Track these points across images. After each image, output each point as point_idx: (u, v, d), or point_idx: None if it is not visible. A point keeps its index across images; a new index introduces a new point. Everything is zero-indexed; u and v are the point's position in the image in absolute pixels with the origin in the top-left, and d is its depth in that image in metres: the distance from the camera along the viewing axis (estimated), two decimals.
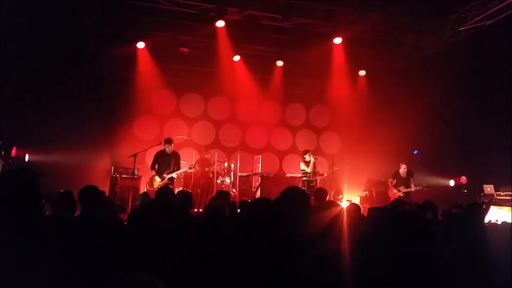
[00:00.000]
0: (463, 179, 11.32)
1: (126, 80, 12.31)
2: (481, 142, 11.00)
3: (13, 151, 9.42)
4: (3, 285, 1.97)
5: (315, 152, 11.27)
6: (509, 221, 6.97)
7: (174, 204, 4.56)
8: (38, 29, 8.81)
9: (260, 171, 12.88)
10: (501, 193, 9.69)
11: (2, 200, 2.18)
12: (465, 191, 11.14)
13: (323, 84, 13.53)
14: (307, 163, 10.99)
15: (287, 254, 2.43)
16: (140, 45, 11.82)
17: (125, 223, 4.13)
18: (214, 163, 11.72)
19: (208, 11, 10.37)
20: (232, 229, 3.48)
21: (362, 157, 13.32)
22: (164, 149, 9.69)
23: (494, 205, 8.92)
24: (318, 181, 11.40)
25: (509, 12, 9.41)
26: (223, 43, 11.47)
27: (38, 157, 9.88)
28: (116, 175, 10.95)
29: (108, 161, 12.07)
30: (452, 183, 11.60)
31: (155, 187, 9.50)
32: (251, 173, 12.64)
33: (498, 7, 9.51)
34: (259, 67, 13.25)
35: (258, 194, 11.55)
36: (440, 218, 5.05)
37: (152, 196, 8.22)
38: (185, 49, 12.14)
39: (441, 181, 11.57)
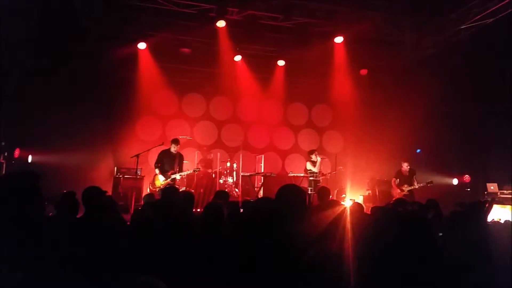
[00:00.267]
0: (467, 177, 11.29)
1: (128, 81, 12.33)
2: (484, 140, 10.97)
3: (16, 152, 9.45)
4: (7, 286, 1.98)
5: (318, 151, 11.23)
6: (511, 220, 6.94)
7: (178, 204, 4.56)
8: (39, 29, 8.84)
9: (262, 171, 12.89)
10: (505, 191, 9.64)
11: (4, 202, 2.19)
12: (469, 189, 11.10)
13: (324, 83, 13.53)
14: (313, 163, 10.91)
15: (289, 252, 2.43)
16: (142, 45, 11.85)
17: (128, 223, 4.14)
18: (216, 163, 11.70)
19: (209, 11, 10.38)
20: (228, 228, 3.48)
21: (365, 156, 13.31)
22: (169, 149, 9.64)
23: (497, 203, 8.89)
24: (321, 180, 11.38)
25: (510, 10, 9.40)
26: (224, 43, 11.48)
27: (41, 158, 9.90)
28: (119, 175, 10.97)
29: (111, 161, 12.08)
30: (455, 181, 11.57)
31: (157, 186, 9.50)
32: (254, 172, 12.63)
33: (498, 6, 9.50)
34: (261, 66, 13.26)
35: (261, 193, 11.54)
36: (443, 216, 5.03)
37: (157, 196, 8.30)
38: (186, 50, 12.16)
39: (444, 180, 11.54)
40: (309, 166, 10.97)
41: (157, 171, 9.60)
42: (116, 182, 10.87)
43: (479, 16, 10.03)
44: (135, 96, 12.42)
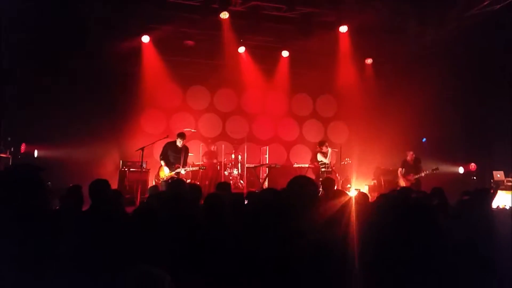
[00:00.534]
0: (473, 166, 11.24)
1: (132, 74, 12.32)
2: (490, 128, 10.90)
3: (23, 147, 9.53)
4: (12, 278, 1.99)
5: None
6: None
7: (185, 196, 4.56)
8: (42, 23, 8.85)
9: (267, 162, 12.88)
10: (511, 178, 9.62)
11: (7, 194, 2.20)
12: (475, 177, 11.07)
13: (329, 73, 13.44)
14: (324, 154, 10.84)
15: (294, 243, 2.43)
16: (145, 39, 11.85)
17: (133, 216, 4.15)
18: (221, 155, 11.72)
19: (212, 3, 10.32)
20: (232, 220, 3.48)
21: (370, 146, 13.25)
22: (175, 141, 9.66)
23: (503, 189, 8.86)
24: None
25: None
26: (228, 34, 11.44)
27: (47, 153, 9.98)
28: (124, 168, 11.03)
29: (116, 155, 12.12)
30: (461, 170, 11.52)
31: (162, 177, 9.57)
32: (259, 164, 12.64)
33: None
34: (265, 58, 13.21)
35: (265, 185, 11.56)
36: (449, 205, 5.02)
37: (160, 188, 8.35)
38: (190, 42, 12.12)
39: (451, 169, 11.51)
40: (320, 157, 10.85)
41: (162, 163, 9.64)
42: (122, 176, 10.95)
43: (486, 2, 9.91)
44: (139, 89, 12.41)
